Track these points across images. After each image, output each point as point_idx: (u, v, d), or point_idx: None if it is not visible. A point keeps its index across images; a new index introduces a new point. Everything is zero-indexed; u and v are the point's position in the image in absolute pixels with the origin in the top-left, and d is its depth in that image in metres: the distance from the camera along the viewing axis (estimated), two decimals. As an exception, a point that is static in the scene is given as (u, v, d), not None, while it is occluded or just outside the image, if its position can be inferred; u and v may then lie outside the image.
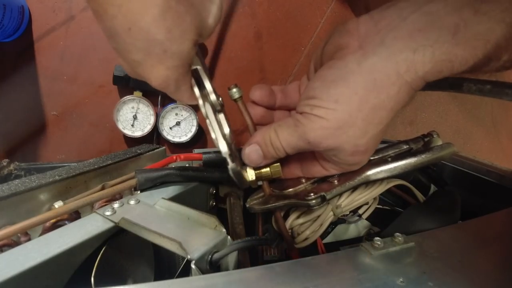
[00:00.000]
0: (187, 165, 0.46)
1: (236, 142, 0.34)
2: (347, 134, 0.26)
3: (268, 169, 0.32)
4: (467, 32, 0.23)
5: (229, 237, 0.27)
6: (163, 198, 0.33)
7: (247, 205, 0.33)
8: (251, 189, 0.34)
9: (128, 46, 0.21)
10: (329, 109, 0.26)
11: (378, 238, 0.25)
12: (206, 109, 0.28)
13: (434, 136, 0.37)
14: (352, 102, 0.25)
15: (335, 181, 0.32)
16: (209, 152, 0.42)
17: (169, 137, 0.68)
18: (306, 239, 0.33)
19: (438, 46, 0.23)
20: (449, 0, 0.24)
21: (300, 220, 0.33)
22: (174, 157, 0.43)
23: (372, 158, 0.33)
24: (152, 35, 0.20)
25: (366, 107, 0.25)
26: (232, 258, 0.27)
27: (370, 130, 0.26)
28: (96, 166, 0.39)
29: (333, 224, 0.40)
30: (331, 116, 0.26)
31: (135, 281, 0.32)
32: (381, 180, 0.34)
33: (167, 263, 0.36)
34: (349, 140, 0.26)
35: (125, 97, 0.64)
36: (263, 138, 0.30)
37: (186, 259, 0.24)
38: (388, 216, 0.37)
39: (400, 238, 0.26)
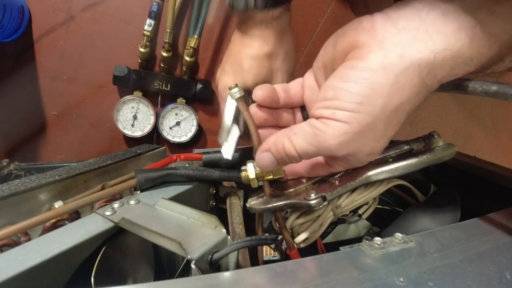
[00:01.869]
0: (187, 165, 0.46)
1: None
2: (367, 137, 0.26)
3: None
4: (483, 34, 0.23)
5: (229, 237, 0.27)
6: (163, 198, 0.33)
7: (248, 206, 0.33)
8: (251, 189, 0.34)
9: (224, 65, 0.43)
10: (353, 112, 0.25)
11: (378, 238, 0.25)
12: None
13: (435, 136, 0.37)
14: (376, 104, 0.24)
15: (336, 181, 0.32)
16: (209, 152, 0.42)
17: (169, 137, 0.68)
18: (306, 239, 0.33)
19: (456, 50, 0.23)
20: (466, 1, 0.23)
21: (300, 220, 0.33)
22: (174, 157, 0.44)
23: None
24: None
25: (389, 109, 0.25)
26: (232, 258, 0.27)
27: (389, 132, 0.26)
28: (96, 166, 0.39)
29: (333, 224, 0.40)
30: (354, 119, 0.25)
31: (135, 281, 0.32)
32: (382, 180, 0.34)
33: (167, 263, 0.36)
34: (368, 143, 0.26)
35: (125, 97, 0.64)
36: (275, 146, 0.29)
37: (186, 259, 0.24)
38: (388, 216, 0.37)
39: (400, 238, 0.26)
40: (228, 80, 0.41)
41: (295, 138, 0.28)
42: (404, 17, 0.25)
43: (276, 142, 0.29)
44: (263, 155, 0.30)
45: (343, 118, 0.25)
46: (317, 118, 0.27)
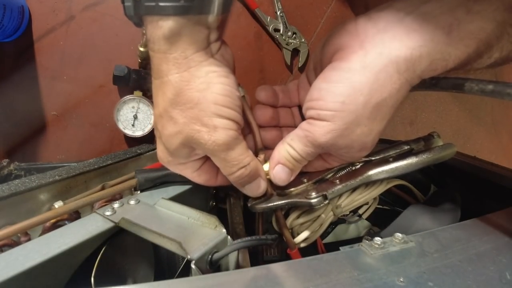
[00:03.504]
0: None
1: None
2: (355, 133, 0.27)
3: (267, 168, 0.32)
4: (460, 32, 0.24)
5: (229, 237, 0.27)
6: (163, 198, 0.33)
7: (249, 205, 0.33)
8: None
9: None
10: (336, 111, 0.26)
11: (378, 238, 0.25)
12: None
13: (435, 136, 0.37)
14: (357, 103, 0.26)
15: (337, 180, 0.32)
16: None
17: (169, 137, 0.68)
18: (306, 239, 0.33)
19: (433, 46, 0.24)
20: (444, 0, 0.24)
21: (300, 220, 0.33)
22: (174, 157, 0.43)
23: (373, 158, 0.33)
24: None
25: (370, 105, 0.26)
26: (232, 258, 0.27)
27: (375, 127, 0.27)
28: (96, 166, 0.39)
29: (333, 224, 0.40)
30: (337, 118, 0.26)
31: (135, 281, 0.32)
32: (382, 180, 0.34)
33: (167, 263, 0.36)
34: (357, 138, 0.27)
35: (125, 97, 0.64)
36: (283, 156, 0.31)
37: (186, 259, 0.24)
38: (388, 216, 0.37)
39: (400, 238, 0.26)
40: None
41: (293, 143, 0.30)
42: (385, 18, 0.26)
43: (281, 154, 0.31)
44: (276, 170, 0.31)
45: (327, 118, 0.27)
46: (306, 119, 0.29)
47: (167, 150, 0.29)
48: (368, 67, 0.25)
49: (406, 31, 0.25)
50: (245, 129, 0.34)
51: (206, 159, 0.31)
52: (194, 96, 0.26)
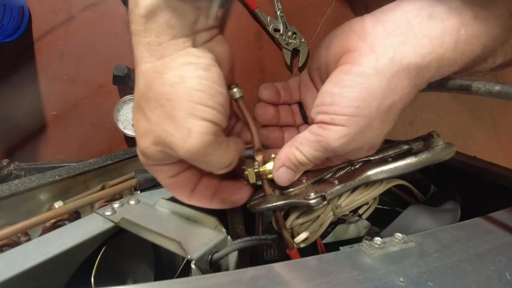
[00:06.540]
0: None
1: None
2: (366, 136, 0.27)
3: (269, 168, 0.32)
4: (467, 38, 0.24)
5: (229, 237, 0.27)
6: (163, 198, 0.33)
7: (247, 205, 0.33)
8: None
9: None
10: (351, 116, 0.26)
11: (378, 238, 0.25)
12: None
13: (434, 136, 0.37)
14: (372, 107, 0.26)
15: (336, 181, 0.32)
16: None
17: (169, 137, 0.68)
18: (306, 239, 0.33)
19: (442, 52, 0.25)
20: (452, 4, 0.24)
21: (300, 220, 0.33)
22: (174, 157, 0.43)
23: (372, 158, 0.33)
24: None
25: (383, 109, 0.26)
26: (232, 258, 0.27)
27: (385, 128, 0.28)
28: (96, 166, 0.39)
29: (333, 224, 0.40)
30: (352, 122, 0.26)
31: (135, 281, 0.32)
32: (381, 180, 0.34)
33: (167, 263, 0.36)
34: (368, 140, 0.28)
35: (125, 97, 0.64)
36: (288, 159, 0.31)
37: (186, 259, 0.24)
38: (388, 216, 0.37)
39: (400, 238, 0.26)
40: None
41: (302, 147, 0.29)
42: (393, 20, 0.26)
43: (287, 156, 0.31)
44: (280, 172, 0.31)
45: (342, 122, 0.27)
46: (316, 123, 0.29)
47: (139, 148, 0.27)
48: (381, 72, 0.25)
49: (416, 36, 0.25)
50: (242, 127, 0.35)
51: (186, 168, 0.29)
52: (165, 90, 0.23)
